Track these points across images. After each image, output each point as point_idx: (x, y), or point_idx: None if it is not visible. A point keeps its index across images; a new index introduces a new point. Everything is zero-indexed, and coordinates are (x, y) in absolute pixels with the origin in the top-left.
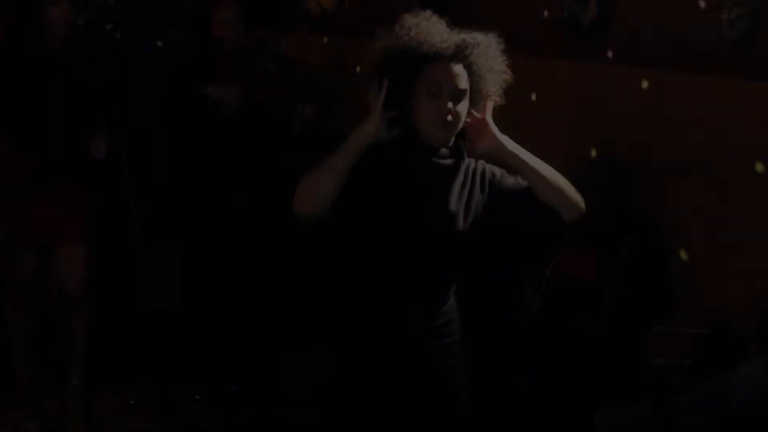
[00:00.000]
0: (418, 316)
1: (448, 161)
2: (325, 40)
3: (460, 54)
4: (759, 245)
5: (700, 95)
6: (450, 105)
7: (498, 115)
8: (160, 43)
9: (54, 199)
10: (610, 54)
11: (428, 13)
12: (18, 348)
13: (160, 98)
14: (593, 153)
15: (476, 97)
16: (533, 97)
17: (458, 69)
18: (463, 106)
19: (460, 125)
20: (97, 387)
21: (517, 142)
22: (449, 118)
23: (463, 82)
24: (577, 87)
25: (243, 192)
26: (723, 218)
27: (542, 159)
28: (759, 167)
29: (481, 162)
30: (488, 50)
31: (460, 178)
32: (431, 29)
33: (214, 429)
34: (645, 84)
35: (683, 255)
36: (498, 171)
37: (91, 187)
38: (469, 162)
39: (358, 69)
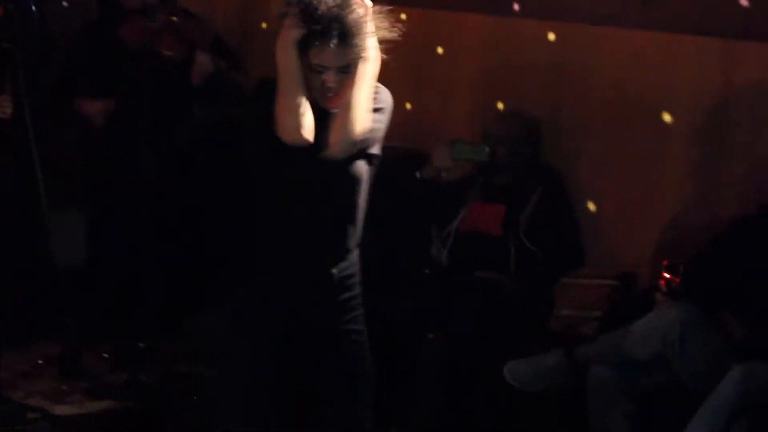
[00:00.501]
0: (318, 266)
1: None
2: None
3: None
4: (665, 195)
5: (605, 47)
6: (334, 78)
7: (404, 69)
8: (65, 3)
9: None
10: (516, 7)
11: None
12: None
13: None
14: (500, 106)
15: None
16: (440, 50)
17: (337, 46)
18: (349, 77)
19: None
20: (4, 348)
21: (425, 97)
22: (333, 90)
23: (345, 58)
24: (483, 40)
25: (149, 144)
26: (629, 169)
27: (449, 113)
28: (666, 117)
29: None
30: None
31: None
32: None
33: (122, 387)
34: (551, 36)
35: (591, 206)
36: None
37: None
38: None
39: (264, 25)
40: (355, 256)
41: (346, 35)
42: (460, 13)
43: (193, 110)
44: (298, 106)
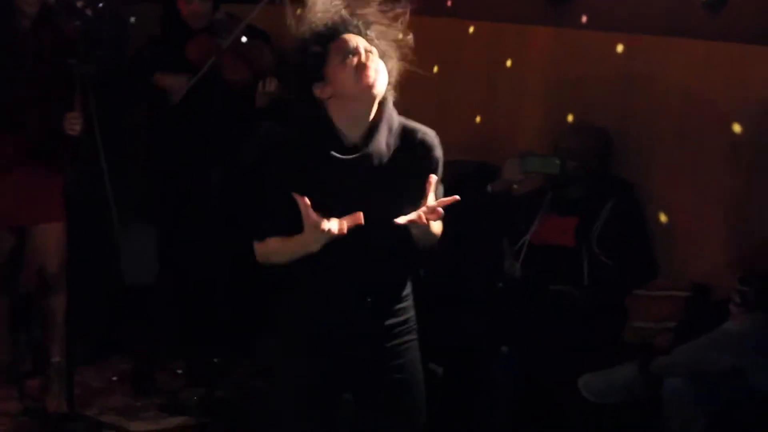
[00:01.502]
0: (368, 314)
1: (367, 152)
2: (299, 11)
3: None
4: (738, 206)
5: (674, 58)
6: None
7: (474, 83)
8: (132, 20)
9: (29, 179)
10: (584, 19)
11: None
12: None
13: (130, 77)
14: (570, 118)
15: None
16: (508, 63)
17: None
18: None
19: (382, 84)
20: (78, 365)
21: (495, 110)
22: (371, 71)
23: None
24: (552, 53)
25: (216, 166)
26: (701, 180)
27: (519, 126)
28: (736, 128)
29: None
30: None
31: (382, 167)
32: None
33: (196, 403)
34: (620, 48)
35: (663, 218)
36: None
37: (66, 164)
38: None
39: None
40: (408, 302)
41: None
42: (528, 26)
43: (261, 129)
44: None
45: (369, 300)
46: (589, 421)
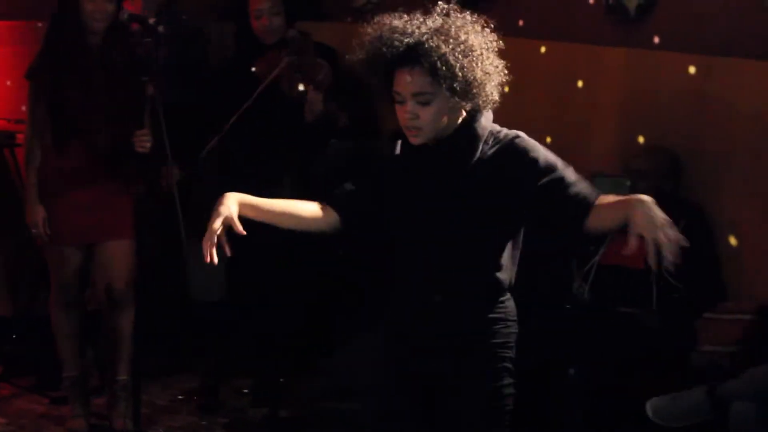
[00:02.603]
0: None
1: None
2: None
3: (410, 56)
4: None
5: (747, 80)
6: (410, 108)
7: (545, 103)
8: (204, 33)
9: (99, 195)
10: (656, 39)
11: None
12: (64, 346)
13: (202, 95)
14: (641, 140)
15: (450, 84)
16: (580, 84)
17: (410, 73)
18: (428, 109)
19: (432, 125)
20: (144, 383)
21: (565, 131)
22: (410, 122)
23: (418, 86)
24: (623, 73)
25: (284, 180)
26: None
27: (590, 147)
28: None
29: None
30: (450, 32)
31: (464, 173)
32: (386, 34)
33: (261, 422)
34: (692, 69)
35: (732, 241)
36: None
37: (136, 181)
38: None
39: None
40: (507, 303)
41: (418, 59)
42: (600, 46)
43: (331, 143)
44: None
45: (438, 298)
46: None
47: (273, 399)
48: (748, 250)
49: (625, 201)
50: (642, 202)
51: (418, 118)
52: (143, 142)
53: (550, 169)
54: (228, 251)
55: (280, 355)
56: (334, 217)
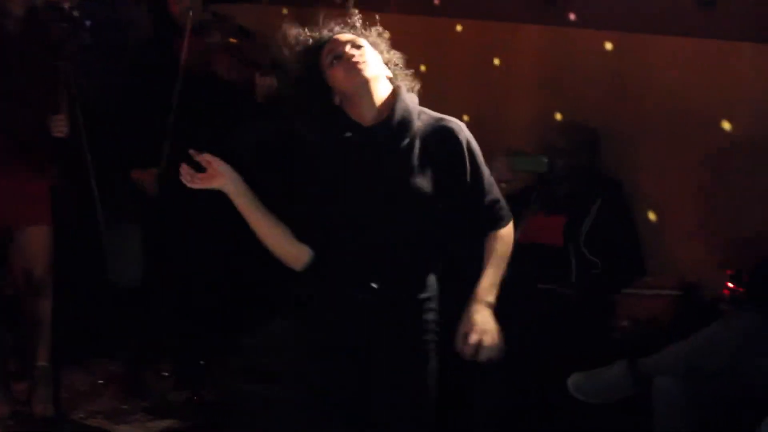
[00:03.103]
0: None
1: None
2: (285, 11)
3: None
4: (726, 203)
5: (662, 56)
6: (348, 50)
7: (461, 81)
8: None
9: (14, 181)
10: (571, 16)
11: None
12: None
13: (119, 77)
14: (558, 117)
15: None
16: (496, 62)
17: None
18: (364, 50)
19: (375, 61)
20: (64, 368)
21: (482, 109)
22: (356, 57)
23: (352, 37)
24: (539, 51)
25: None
26: (689, 178)
27: (507, 125)
28: (726, 126)
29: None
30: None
31: (405, 148)
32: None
33: (183, 405)
34: (608, 46)
35: (651, 216)
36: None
37: (52, 165)
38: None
39: None
40: (428, 280)
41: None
42: (516, 24)
43: (252, 123)
44: (276, 239)
45: (374, 286)
46: (579, 420)
47: (194, 382)
48: (667, 225)
49: (478, 290)
50: (485, 305)
51: (361, 55)
52: (60, 126)
53: (477, 173)
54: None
55: (201, 338)
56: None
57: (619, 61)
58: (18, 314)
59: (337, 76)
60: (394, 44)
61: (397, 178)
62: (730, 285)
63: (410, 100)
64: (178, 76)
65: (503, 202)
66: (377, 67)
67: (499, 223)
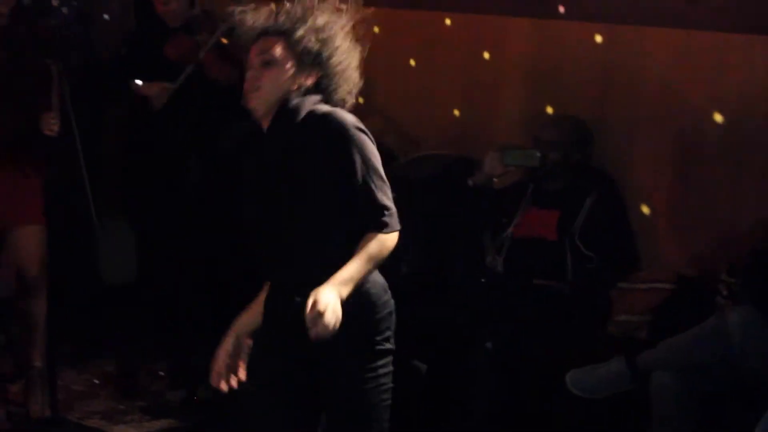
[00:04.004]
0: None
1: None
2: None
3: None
4: (721, 197)
5: (652, 47)
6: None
7: (452, 76)
8: (106, 17)
9: (7, 179)
10: (561, 9)
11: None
12: None
13: (107, 77)
14: (549, 110)
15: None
16: (486, 56)
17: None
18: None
19: (270, 88)
20: (59, 368)
21: (473, 103)
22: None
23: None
24: (529, 44)
25: (195, 164)
26: (682, 170)
27: (499, 119)
28: (717, 118)
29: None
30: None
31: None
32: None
33: (179, 405)
34: (598, 38)
35: (645, 210)
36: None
37: (44, 164)
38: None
39: None
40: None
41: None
42: (505, 17)
43: (236, 125)
44: None
45: (298, 300)
46: (577, 416)
47: (190, 381)
48: (661, 219)
49: (334, 276)
50: (335, 290)
51: (257, 78)
52: (51, 125)
53: (366, 171)
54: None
55: (195, 337)
56: None
57: (610, 54)
58: (10, 316)
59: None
60: (383, 39)
61: (288, 177)
62: (726, 278)
63: (298, 102)
64: (166, 73)
65: (394, 212)
66: (269, 92)
67: (382, 228)
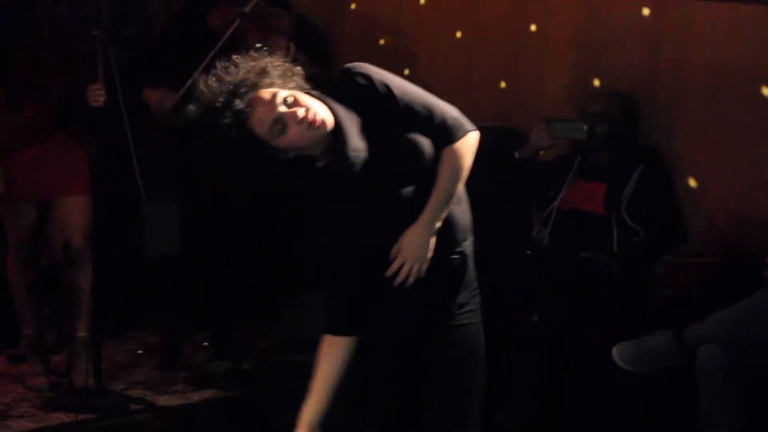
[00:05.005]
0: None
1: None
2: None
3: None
4: (767, 169)
5: (700, 20)
6: (283, 109)
7: (499, 49)
8: None
9: (53, 151)
10: None
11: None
12: (22, 303)
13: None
14: (596, 83)
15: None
16: (533, 28)
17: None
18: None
19: (320, 107)
20: (103, 339)
21: (520, 76)
22: (306, 117)
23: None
24: (577, 17)
25: None
26: (729, 144)
27: (546, 91)
28: (765, 91)
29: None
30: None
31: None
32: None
33: (222, 376)
34: (645, 11)
35: (692, 183)
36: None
37: (90, 136)
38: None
39: (353, 6)
40: (464, 247)
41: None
42: None
43: None
44: None
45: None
46: (623, 389)
47: (233, 352)
48: (707, 192)
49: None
50: (421, 225)
51: (306, 111)
52: (97, 96)
53: (407, 99)
54: None
55: (239, 308)
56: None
57: (657, 27)
58: (54, 286)
59: (289, 140)
60: (429, 12)
61: (397, 169)
62: None
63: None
64: (209, 45)
65: (455, 115)
66: (324, 111)
67: (451, 138)
